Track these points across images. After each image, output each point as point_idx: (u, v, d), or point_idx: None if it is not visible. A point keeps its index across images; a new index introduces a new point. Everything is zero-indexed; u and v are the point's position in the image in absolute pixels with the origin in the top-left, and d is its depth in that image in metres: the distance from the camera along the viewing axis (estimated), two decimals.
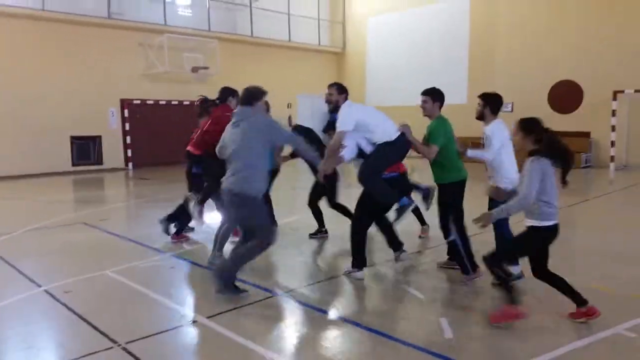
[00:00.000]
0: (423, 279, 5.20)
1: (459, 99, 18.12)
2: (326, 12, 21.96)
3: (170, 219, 6.51)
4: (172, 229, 6.58)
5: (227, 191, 4.46)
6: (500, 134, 4.90)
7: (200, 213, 5.19)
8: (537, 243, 3.95)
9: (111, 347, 3.63)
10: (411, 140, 4.81)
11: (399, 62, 19.81)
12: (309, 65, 21.14)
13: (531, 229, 3.88)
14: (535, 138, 3.86)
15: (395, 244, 5.39)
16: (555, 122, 17.59)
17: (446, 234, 4.95)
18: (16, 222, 8.09)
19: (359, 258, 5.01)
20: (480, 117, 4.99)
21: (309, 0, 21.15)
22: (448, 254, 5.34)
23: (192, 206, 5.35)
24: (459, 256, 4.82)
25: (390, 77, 19.86)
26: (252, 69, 19.13)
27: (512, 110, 17.08)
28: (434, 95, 4.86)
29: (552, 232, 3.91)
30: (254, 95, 4.61)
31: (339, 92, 5.03)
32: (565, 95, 15.85)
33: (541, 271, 4.01)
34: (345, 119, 4.74)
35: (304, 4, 20.88)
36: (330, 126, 5.24)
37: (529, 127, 3.94)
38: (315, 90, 21.54)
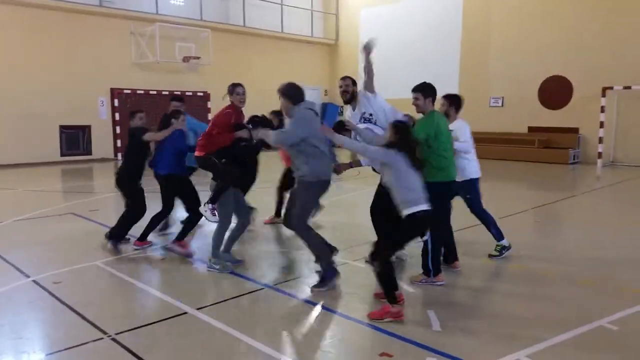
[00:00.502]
0: (414, 272, 5.25)
1: (450, 92, 18.18)
2: (319, 3, 21.87)
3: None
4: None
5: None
6: (466, 130, 5.47)
7: (213, 212, 5.16)
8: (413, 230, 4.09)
9: (101, 338, 3.65)
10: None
11: (392, 54, 19.76)
12: (301, 57, 21.09)
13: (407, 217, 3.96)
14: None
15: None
16: (545, 117, 17.89)
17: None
18: (4, 212, 8.05)
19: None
20: (446, 115, 5.13)
21: None
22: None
23: (204, 206, 5.27)
24: (425, 256, 4.74)
25: (383, 70, 19.60)
26: (244, 60, 19.06)
27: (502, 105, 17.21)
28: (424, 91, 4.72)
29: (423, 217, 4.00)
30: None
31: (354, 84, 5.34)
32: (555, 91, 15.97)
33: (384, 255, 4.01)
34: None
35: None
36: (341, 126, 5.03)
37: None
38: (307, 82, 21.52)
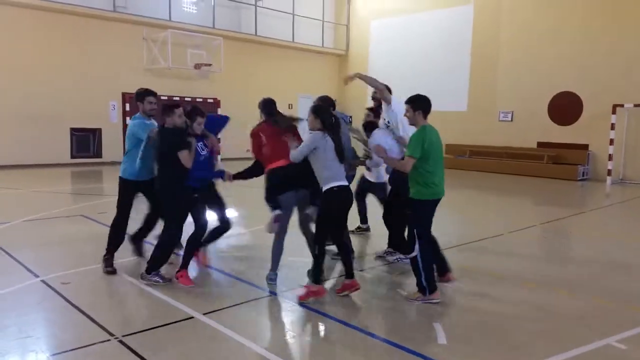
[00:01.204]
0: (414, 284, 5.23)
1: (459, 106, 18.24)
2: (330, 14, 22.02)
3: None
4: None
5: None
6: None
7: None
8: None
9: (108, 340, 3.67)
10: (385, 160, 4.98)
11: (401, 66, 19.86)
12: (311, 66, 21.20)
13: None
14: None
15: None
16: (555, 133, 17.81)
17: (410, 248, 4.59)
18: (15, 212, 8.11)
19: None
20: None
21: (314, 2, 21.22)
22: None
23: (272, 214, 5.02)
24: (418, 274, 4.57)
25: (392, 81, 19.80)
26: (254, 68, 19.20)
27: (511, 120, 17.19)
28: (413, 104, 4.56)
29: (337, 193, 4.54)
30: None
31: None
32: (565, 107, 15.94)
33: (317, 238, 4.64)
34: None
35: (308, 5, 20.95)
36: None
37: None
38: (317, 91, 21.60)
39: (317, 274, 4.60)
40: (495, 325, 4.23)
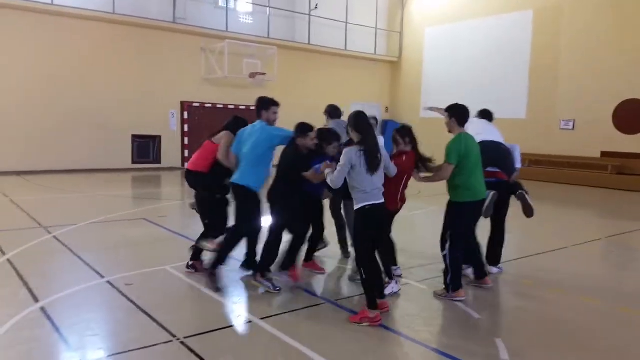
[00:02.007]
0: (476, 296, 5.09)
1: (518, 113, 17.70)
2: (384, 22, 21.96)
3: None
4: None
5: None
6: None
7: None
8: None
9: (170, 341, 3.77)
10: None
11: (456, 73, 19.53)
12: (363, 74, 21.20)
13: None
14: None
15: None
16: (619, 142, 16.96)
17: (442, 247, 4.91)
18: (80, 215, 8.50)
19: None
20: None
21: (367, 10, 21.23)
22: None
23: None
24: (446, 271, 4.87)
25: (446, 89, 19.60)
26: (307, 76, 19.40)
27: (573, 128, 16.50)
28: (450, 111, 4.84)
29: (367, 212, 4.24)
30: None
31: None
32: (631, 115, 15.15)
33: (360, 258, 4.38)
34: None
35: (361, 13, 20.98)
36: None
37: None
38: (369, 98, 21.65)
39: (370, 299, 4.21)
40: (558, 342, 4.04)
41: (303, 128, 4.97)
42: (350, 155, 4.15)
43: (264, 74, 17.53)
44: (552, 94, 16.92)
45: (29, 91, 14.06)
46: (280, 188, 5.05)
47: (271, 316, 4.29)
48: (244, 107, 17.66)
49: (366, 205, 4.18)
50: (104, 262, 5.81)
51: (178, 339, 3.79)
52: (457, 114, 4.81)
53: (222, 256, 5.01)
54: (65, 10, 14.23)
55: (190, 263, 5.49)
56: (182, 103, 16.73)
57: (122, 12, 15.11)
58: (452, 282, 4.80)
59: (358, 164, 4.14)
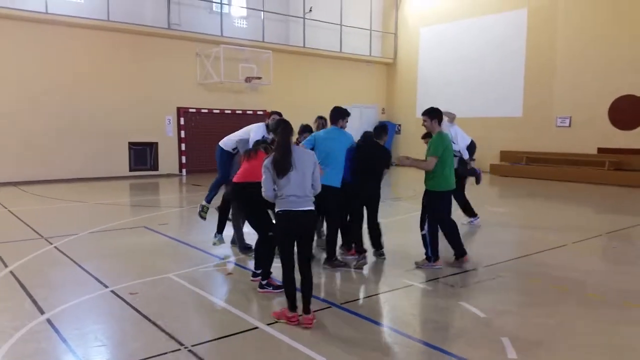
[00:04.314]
0: (481, 295, 5.11)
1: (514, 112, 17.78)
2: (378, 23, 22.02)
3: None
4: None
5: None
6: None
7: None
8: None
9: (178, 349, 3.76)
10: (411, 164, 6.08)
11: (452, 73, 19.59)
12: (359, 76, 21.25)
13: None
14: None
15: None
16: (616, 138, 17.06)
17: (421, 227, 5.97)
18: (80, 224, 8.47)
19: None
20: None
21: (361, 12, 21.28)
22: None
23: None
24: (425, 246, 5.90)
25: (442, 88, 19.67)
26: (302, 79, 19.43)
27: (569, 125, 16.58)
28: (431, 115, 5.78)
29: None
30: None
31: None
32: (627, 111, 15.23)
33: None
34: None
35: (356, 15, 21.03)
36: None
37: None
38: (365, 100, 21.68)
39: (289, 302, 4.32)
40: (563, 339, 4.06)
41: (381, 128, 6.36)
42: (266, 162, 4.26)
43: (259, 78, 17.55)
44: (548, 92, 17.00)
45: (24, 100, 14.02)
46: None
47: (277, 322, 4.29)
48: (240, 112, 17.68)
49: (279, 211, 4.23)
50: (107, 271, 5.80)
51: (186, 347, 3.78)
52: (438, 116, 5.78)
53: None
54: (59, 19, 14.20)
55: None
56: (178, 109, 16.71)
57: (116, 19, 15.09)
58: (433, 254, 5.87)
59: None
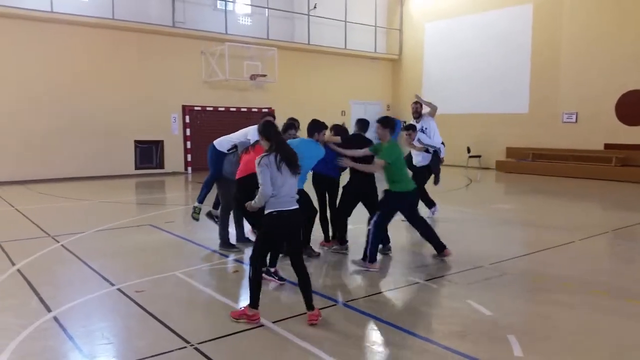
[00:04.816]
0: (487, 293, 5.09)
1: (520, 108, 17.69)
2: (383, 19, 21.94)
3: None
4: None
5: None
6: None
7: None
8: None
9: (184, 347, 3.78)
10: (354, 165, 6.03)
11: (457, 68, 19.50)
12: (364, 72, 21.20)
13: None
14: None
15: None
16: (623, 134, 16.93)
17: (368, 223, 5.94)
18: (86, 223, 8.52)
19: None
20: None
21: (366, 8, 21.22)
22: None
23: None
24: (367, 242, 5.82)
25: (447, 84, 19.59)
26: (308, 76, 19.40)
27: (576, 121, 16.48)
28: (384, 124, 5.88)
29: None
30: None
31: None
32: (634, 106, 15.12)
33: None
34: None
35: (360, 11, 20.97)
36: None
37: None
38: (370, 97, 21.64)
39: (253, 298, 4.25)
40: (569, 336, 4.04)
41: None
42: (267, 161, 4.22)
43: (264, 75, 17.54)
44: (554, 87, 16.89)
45: (30, 99, 14.08)
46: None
47: (283, 319, 4.29)
48: (245, 110, 17.70)
49: (274, 212, 4.20)
50: (114, 269, 5.82)
51: (192, 345, 3.80)
52: (391, 126, 5.90)
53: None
54: (63, 17, 14.24)
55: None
56: (184, 107, 16.74)
57: (121, 18, 15.12)
58: (370, 254, 5.77)
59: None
